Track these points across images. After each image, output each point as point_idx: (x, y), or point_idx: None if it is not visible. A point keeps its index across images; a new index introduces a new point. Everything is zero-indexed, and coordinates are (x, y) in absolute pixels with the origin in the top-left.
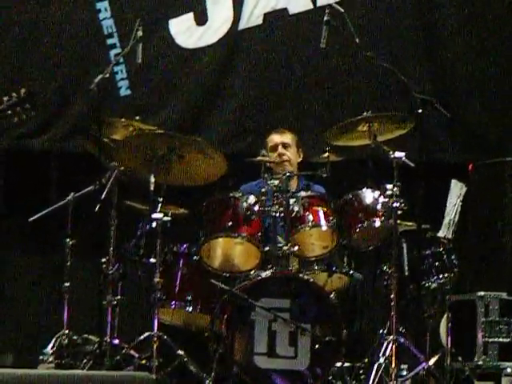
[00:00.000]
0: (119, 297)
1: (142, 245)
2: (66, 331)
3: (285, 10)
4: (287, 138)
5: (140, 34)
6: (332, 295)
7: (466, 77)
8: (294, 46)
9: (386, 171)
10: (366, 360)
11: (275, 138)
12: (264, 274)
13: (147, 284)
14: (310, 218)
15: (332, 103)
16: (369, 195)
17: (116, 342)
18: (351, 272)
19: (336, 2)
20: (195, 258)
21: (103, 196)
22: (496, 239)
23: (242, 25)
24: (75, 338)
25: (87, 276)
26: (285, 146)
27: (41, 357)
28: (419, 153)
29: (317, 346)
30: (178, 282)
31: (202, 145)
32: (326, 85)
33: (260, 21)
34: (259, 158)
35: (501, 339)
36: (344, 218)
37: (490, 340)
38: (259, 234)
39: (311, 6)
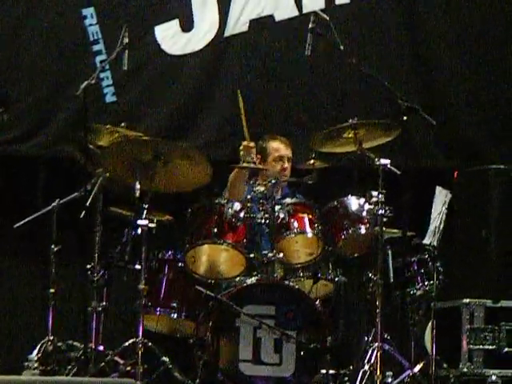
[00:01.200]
0: (104, 303)
1: (128, 251)
2: (51, 337)
3: (271, 16)
4: (291, 151)
5: (126, 40)
6: (317, 302)
7: (451, 84)
8: (279, 53)
9: (371, 178)
10: (351, 367)
11: (283, 150)
12: (249, 281)
13: (132, 290)
14: (296, 224)
15: (318, 110)
16: (354, 202)
17: (101, 348)
18: (336, 279)
19: (321, 10)
20: (180, 264)
21: (88, 202)
22: (481, 247)
23: (228, 31)
24: (60, 344)
25: (72, 282)
26: (288, 160)
27: (25, 363)
28: (404, 160)
29: (302, 353)
30: (163, 289)
31: (188, 151)
32: (311, 92)
33: (246, 28)
34: (245, 164)
35: (486, 346)
36: (329, 224)
37: (475, 347)
38: (244, 240)
39: (297, 13)
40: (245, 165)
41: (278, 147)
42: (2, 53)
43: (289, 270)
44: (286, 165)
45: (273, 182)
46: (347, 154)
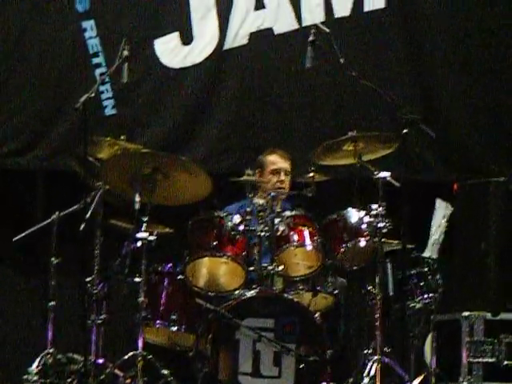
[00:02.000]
0: (104, 316)
1: (127, 264)
2: (51, 350)
3: (270, 29)
4: (289, 164)
5: (126, 53)
6: (316, 315)
7: (451, 97)
8: (279, 66)
9: (371, 191)
10: (351, 380)
11: (280, 163)
12: (249, 294)
13: (132, 303)
14: (295, 237)
15: (317, 122)
16: (354, 215)
17: (101, 361)
18: (336, 292)
19: (321, 22)
20: (180, 277)
21: (88, 215)
22: (480, 259)
23: (228, 44)
24: (60, 357)
25: (72, 295)
26: (286, 173)
27: (25, 376)
28: (404, 172)
29: (301, 366)
30: (162, 302)
31: (188, 164)
32: (311, 104)
33: (245, 40)
34: (245, 177)
35: (485, 359)
36: (329, 237)
37: (475, 360)
38: (244, 253)
39: (297, 26)
40: (244, 178)
41: (275, 160)
42: (1, 65)
43: (288, 282)
44: (283, 177)
45: (272, 194)
46: (347, 166)
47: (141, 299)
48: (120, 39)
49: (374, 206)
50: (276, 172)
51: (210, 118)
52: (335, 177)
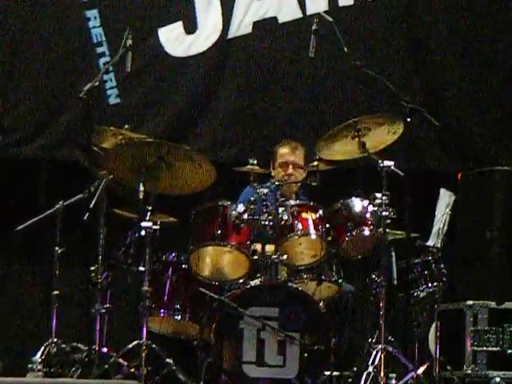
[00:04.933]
0: (108, 305)
1: (131, 253)
2: (55, 339)
3: (274, 18)
4: (299, 157)
5: (129, 42)
6: (321, 304)
7: (454, 86)
8: (283, 55)
9: (375, 180)
10: (355, 369)
11: (287, 156)
12: (253, 283)
13: (136, 292)
14: (299, 226)
15: (321, 111)
16: (358, 204)
17: (105, 350)
18: (340, 281)
19: (325, 11)
20: (184, 266)
21: (92, 204)
22: (484, 248)
23: (232, 33)
24: (64, 346)
25: (76, 284)
26: (295, 166)
27: (29, 365)
28: (408, 162)
29: (305, 355)
30: (166, 291)
31: (191, 153)
32: (314, 94)
33: (249, 29)
34: (248, 166)
35: (489, 348)
36: (333, 226)
37: (479, 349)
38: (248, 242)
39: (300, 15)
40: (248, 167)
41: (283, 153)
42: (5, 54)
43: (292, 271)
44: (290, 171)
45: (276, 184)
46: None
47: (145, 288)
48: (124, 28)
49: (378, 195)
50: (284, 165)
51: (213, 107)
52: (339, 166)
